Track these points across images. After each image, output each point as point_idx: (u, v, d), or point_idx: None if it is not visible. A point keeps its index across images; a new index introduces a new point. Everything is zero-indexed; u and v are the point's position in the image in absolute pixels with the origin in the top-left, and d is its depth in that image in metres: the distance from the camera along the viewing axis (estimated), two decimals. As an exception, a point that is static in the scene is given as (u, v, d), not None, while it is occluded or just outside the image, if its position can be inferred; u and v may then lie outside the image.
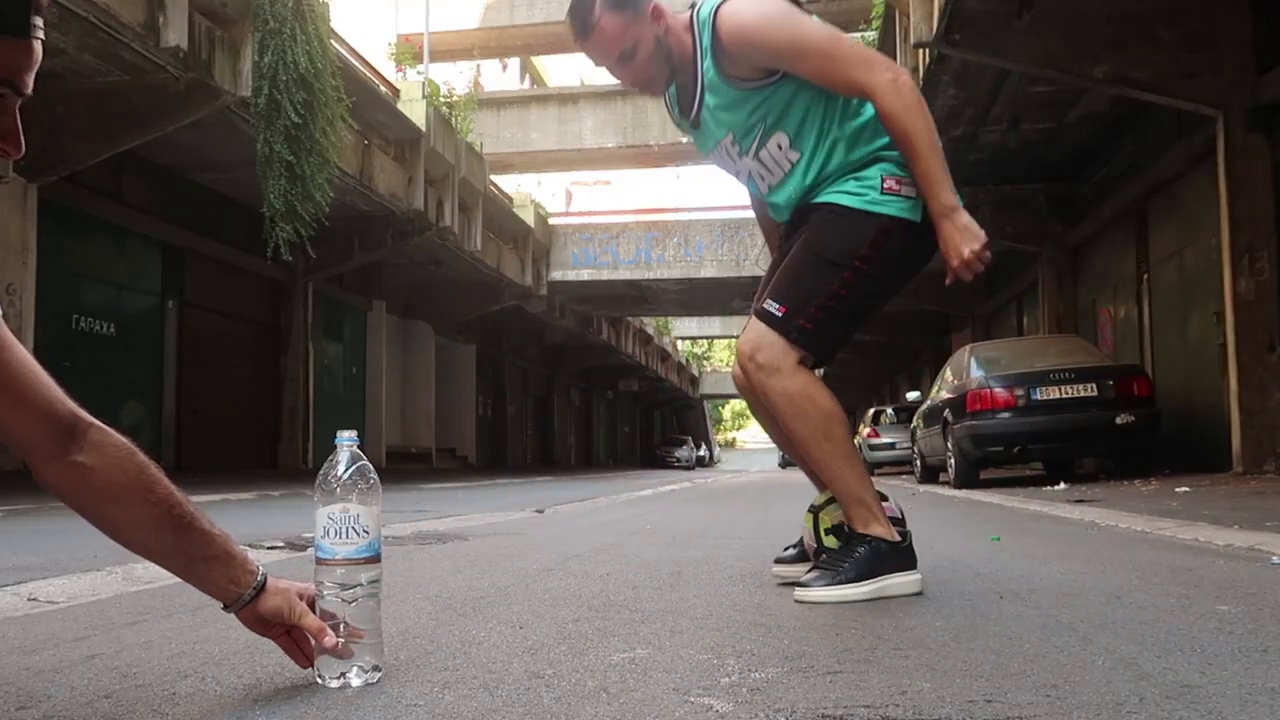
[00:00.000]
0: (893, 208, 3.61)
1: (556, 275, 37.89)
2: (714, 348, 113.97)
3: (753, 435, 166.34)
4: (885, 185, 3.61)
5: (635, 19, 3.59)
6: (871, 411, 34.40)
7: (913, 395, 23.21)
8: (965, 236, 3.55)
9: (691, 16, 3.67)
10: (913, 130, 3.48)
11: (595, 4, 3.57)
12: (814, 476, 3.90)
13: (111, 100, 16.74)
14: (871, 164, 3.65)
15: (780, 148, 3.71)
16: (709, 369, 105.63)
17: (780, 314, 3.57)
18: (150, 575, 4.14)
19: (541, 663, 2.44)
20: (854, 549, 3.52)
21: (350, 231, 26.03)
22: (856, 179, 3.65)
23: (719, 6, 3.58)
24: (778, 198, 3.84)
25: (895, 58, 18.32)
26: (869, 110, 3.62)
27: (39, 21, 1.85)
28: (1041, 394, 14.70)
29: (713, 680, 2.23)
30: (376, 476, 2.24)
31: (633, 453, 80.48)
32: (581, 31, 3.61)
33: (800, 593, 3.45)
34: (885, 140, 3.63)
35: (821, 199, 3.69)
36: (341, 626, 2.17)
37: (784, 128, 3.68)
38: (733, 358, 3.86)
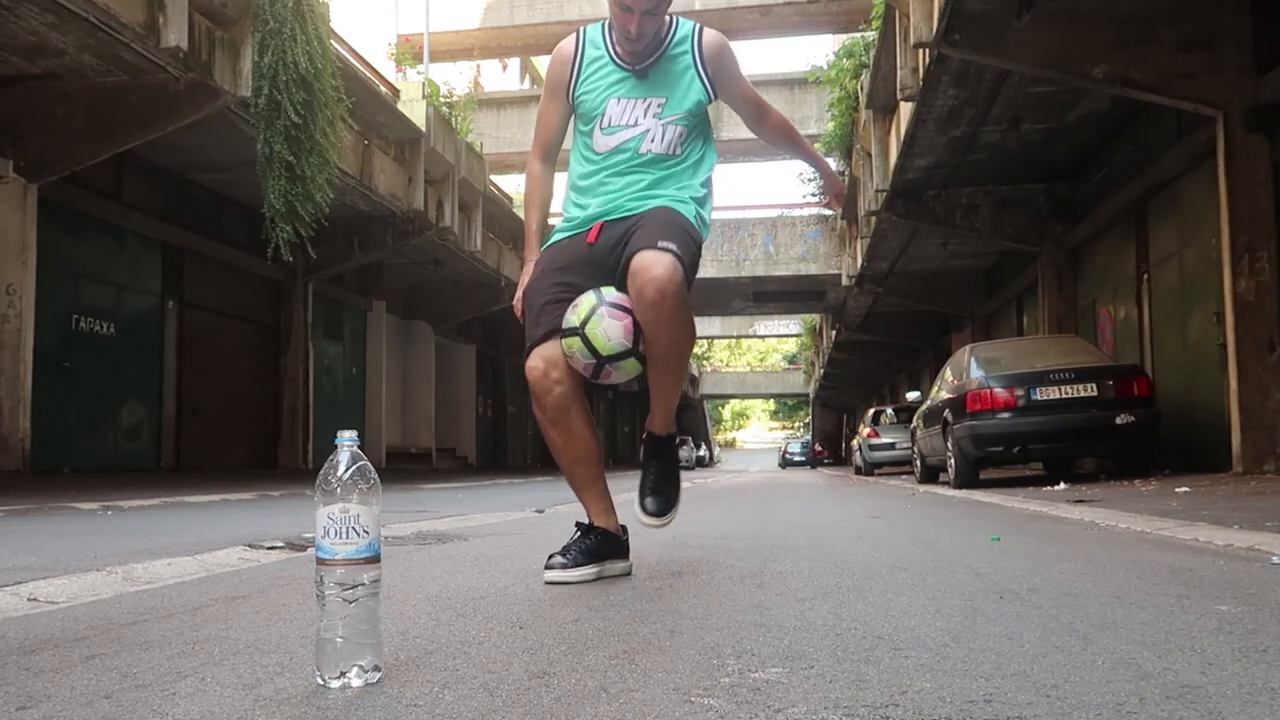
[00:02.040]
0: (705, 235, 4.44)
1: (556, 276, 37.87)
2: (713, 348, 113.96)
3: (753, 435, 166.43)
4: (701, 218, 4.43)
5: None
6: (871, 411, 34.36)
7: (913, 395, 23.20)
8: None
9: (670, 18, 4.49)
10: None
11: None
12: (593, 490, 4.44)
13: (111, 100, 16.76)
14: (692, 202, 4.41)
15: (679, 136, 4.41)
16: (708, 369, 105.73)
17: (680, 254, 4.06)
18: (150, 575, 4.13)
19: (542, 662, 2.44)
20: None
21: (350, 231, 26.05)
22: (684, 201, 4.39)
23: (699, 28, 4.48)
24: (639, 161, 4.39)
25: (895, 58, 18.33)
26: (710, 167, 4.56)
27: None
28: (1041, 394, 14.69)
29: (713, 680, 2.23)
30: (376, 477, 2.24)
31: (633, 453, 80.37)
32: None
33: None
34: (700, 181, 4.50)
35: (665, 203, 4.34)
36: (341, 622, 2.18)
37: (689, 127, 4.44)
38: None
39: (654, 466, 4.47)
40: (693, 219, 4.30)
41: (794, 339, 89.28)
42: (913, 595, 3.57)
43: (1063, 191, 21.94)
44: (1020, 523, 7.71)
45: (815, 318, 58.05)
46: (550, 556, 4.21)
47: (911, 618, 3.05)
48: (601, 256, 4.28)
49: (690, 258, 4.14)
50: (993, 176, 21.59)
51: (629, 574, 4.32)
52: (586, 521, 4.34)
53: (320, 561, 2.20)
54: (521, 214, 21.35)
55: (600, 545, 4.27)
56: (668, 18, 4.41)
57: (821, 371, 61.68)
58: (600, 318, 4.05)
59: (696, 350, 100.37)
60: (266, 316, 27.12)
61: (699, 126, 4.48)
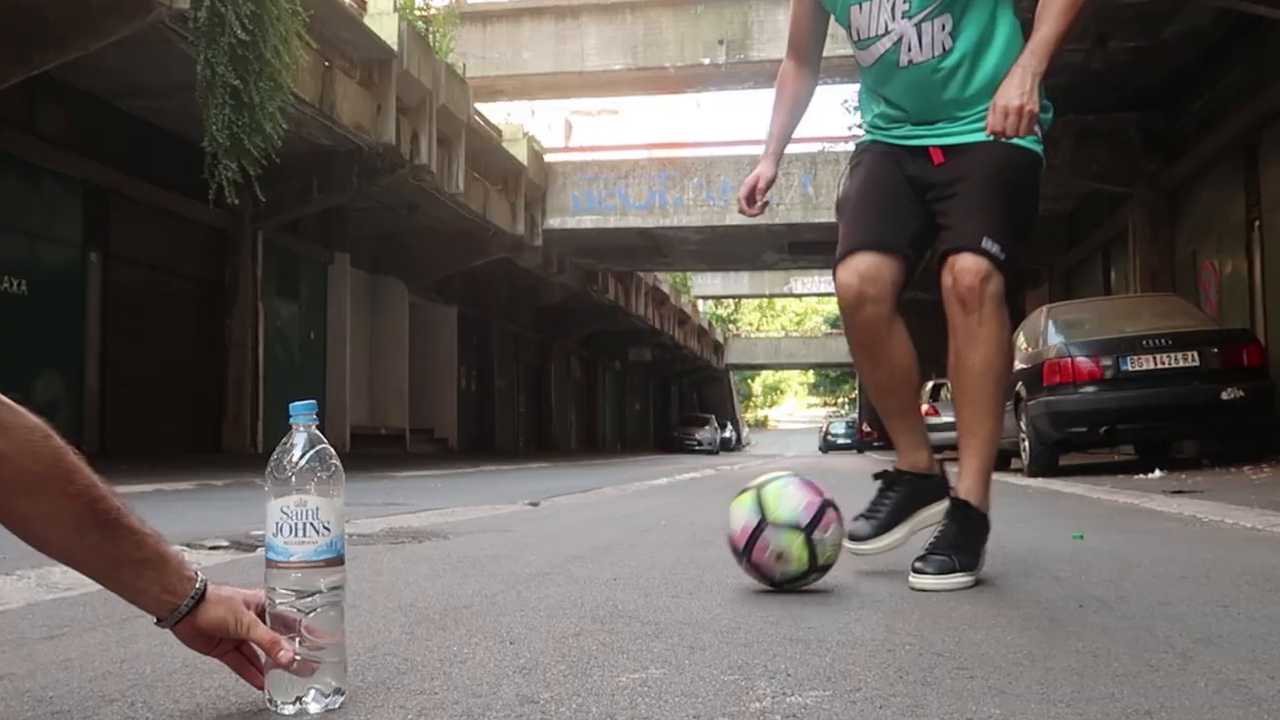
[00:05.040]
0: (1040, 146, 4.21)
1: (554, 222, 37.85)
2: (741, 309, 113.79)
3: (788, 414, 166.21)
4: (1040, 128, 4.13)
5: None
6: (930, 385, 34.31)
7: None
8: (1031, 98, 3.86)
9: None
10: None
11: None
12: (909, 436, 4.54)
13: (23, 15, 16.69)
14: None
15: (943, 29, 4.14)
16: (736, 334, 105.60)
17: (1003, 256, 4.04)
18: (70, 581, 4.14)
19: (536, 684, 2.45)
20: (977, 529, 4.16)
21: (308, 170, 26.04)
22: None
23: None
24: (903, 81, 4.24)
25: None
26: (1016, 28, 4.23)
27: None
28: (1132, 364, 14.67)
29: (740, 706, 2.23)
30: (339, 462, 2.24)
31: (645, 434, 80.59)
32: None
33: (916, 580, 3.97)
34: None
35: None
36: (297, 640, 2.17)
37: (954, 11, 4.13)
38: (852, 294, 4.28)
39: (947, 527, 4.17)
40: (1030, 141, 4.12)
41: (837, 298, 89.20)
42: (978, 604, 3.58)
43: (1158, 122, 21.87)
44: (1107, 517, 7.71)
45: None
46: (854, 519, 4.32)
47: (977, 631, 3.06)
48: (931, 185, 4.27)
49: (1021, 229, 4.18)
50: (1074, 104, 21.47)
51: None
52: (888, 469, 4.55)
53: (271, 564, 2.20)
54: (511, 150, 21.50)
55: (910, 495, 4.44)
56: None
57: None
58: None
59: (721, 312, 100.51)
60: (208, 271, 27.11)
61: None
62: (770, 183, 4.64)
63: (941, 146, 4.24)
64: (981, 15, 4.17)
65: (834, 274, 4.36)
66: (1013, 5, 4.25)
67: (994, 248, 4.01)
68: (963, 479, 4.20)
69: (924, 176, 4.27)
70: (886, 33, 4.18)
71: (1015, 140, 4.00)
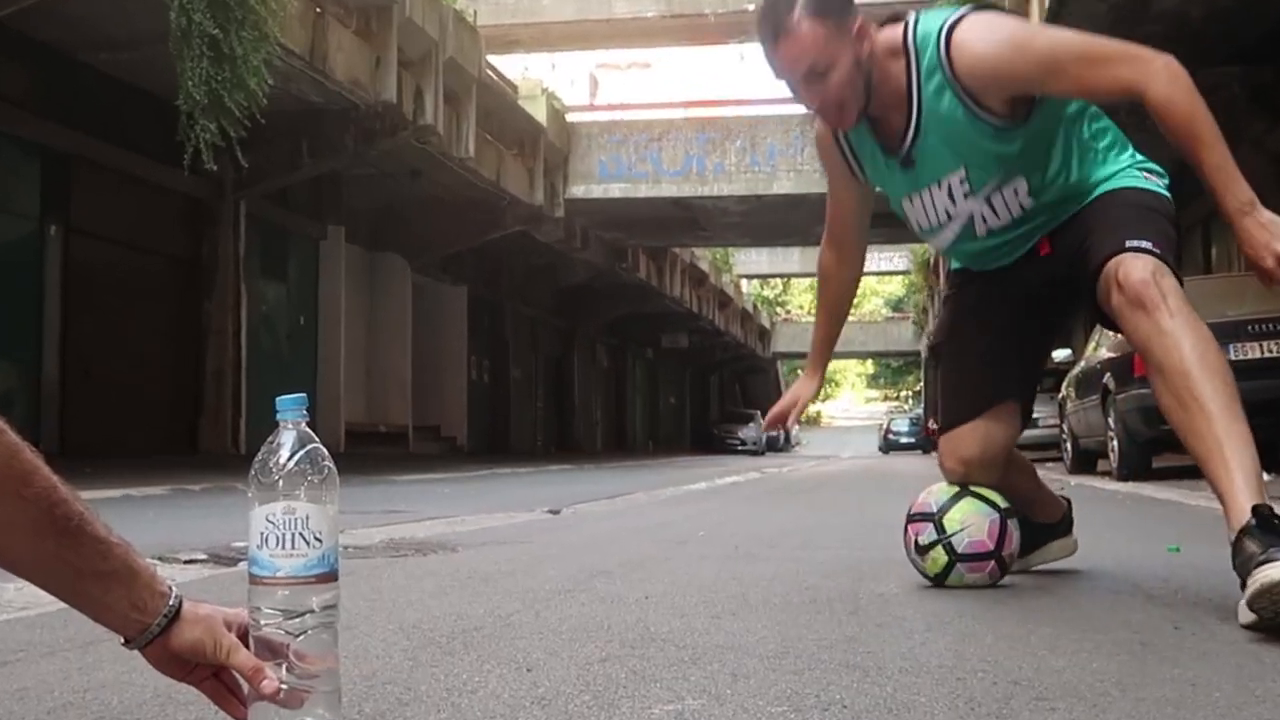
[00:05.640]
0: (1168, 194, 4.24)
1: (577, 191, 37.76)
2: (791, 289, 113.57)
3: (844, 409, 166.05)
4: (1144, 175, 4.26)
5: (838, 32, 4.03)
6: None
7: (1061, 354, 23.08)
8: (1275, 232, 3.75)
9: (905, 39, 4.13)
10: (1198, 114, 3.89)
11: (795, 6, 3.99)
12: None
13: (-28, -45, 16.74)
14: (1116, 174, 4.26)
15: (1016, 194, 4.20)
16: (784, 318, 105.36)
17: (1158, 251, 3.91)
18: (25, 599, 4.16)
19: (556, 718, 2.45)
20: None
21: (297, 132, 26.01)
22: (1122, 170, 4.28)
23: (947, 32, 4.03)
24: (990, 242, 4.37)
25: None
26: (1109, 134, 4.31)
27: None
28: (1235, 351, 14.57)
29: (789, 742, 2.23)
30: (332, 464, 2.22)
31: (680, 432, 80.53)
32: (772, 34, 4.06)
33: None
34: (1128, 154, 4.32)
35: (1099, 192, 4.21)
36: (285, 666, 2.16)
37: (1027, 173, 4.17)
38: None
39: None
40: (1142, 182, 4.21)
41: (900, 277, 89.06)
42: (1060, 625, 3.57)
43: (1265, 75, 21.73)
44: (1208, 527, 7.67)
45: (928, 249, 57.94)
46: None
47: (1059, 657, 3.05)
48: (1043, 279, 4.38)
49: (1168, 237, 4.03)
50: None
51: (1072, 552, 5.04)
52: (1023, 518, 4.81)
53: (255, 580, 2.18)
54: (530, 109, 21.61)
55: (1038, 534, 4.80)
56: (907, 40, 4.13)
57: (937, 321, 61.64)
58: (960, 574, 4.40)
59: (767, 293, 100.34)
60: (183, 247, 27.09)
61: (1030, 142, 4.14)
62: (809, 403, 5.03)
63: (1046, 236, 4.32)
64: (1054, 156, 4.20)
65: (938, 445, 4.69)
66: (1079, 120, 4.26)
67: (1144, 244, 3.90)
68: (1240, 500, 3.90)
69: (1039, 271, 4.38)
70: (951, 219, 4.30)
71: (1133, 184, 4.16)
